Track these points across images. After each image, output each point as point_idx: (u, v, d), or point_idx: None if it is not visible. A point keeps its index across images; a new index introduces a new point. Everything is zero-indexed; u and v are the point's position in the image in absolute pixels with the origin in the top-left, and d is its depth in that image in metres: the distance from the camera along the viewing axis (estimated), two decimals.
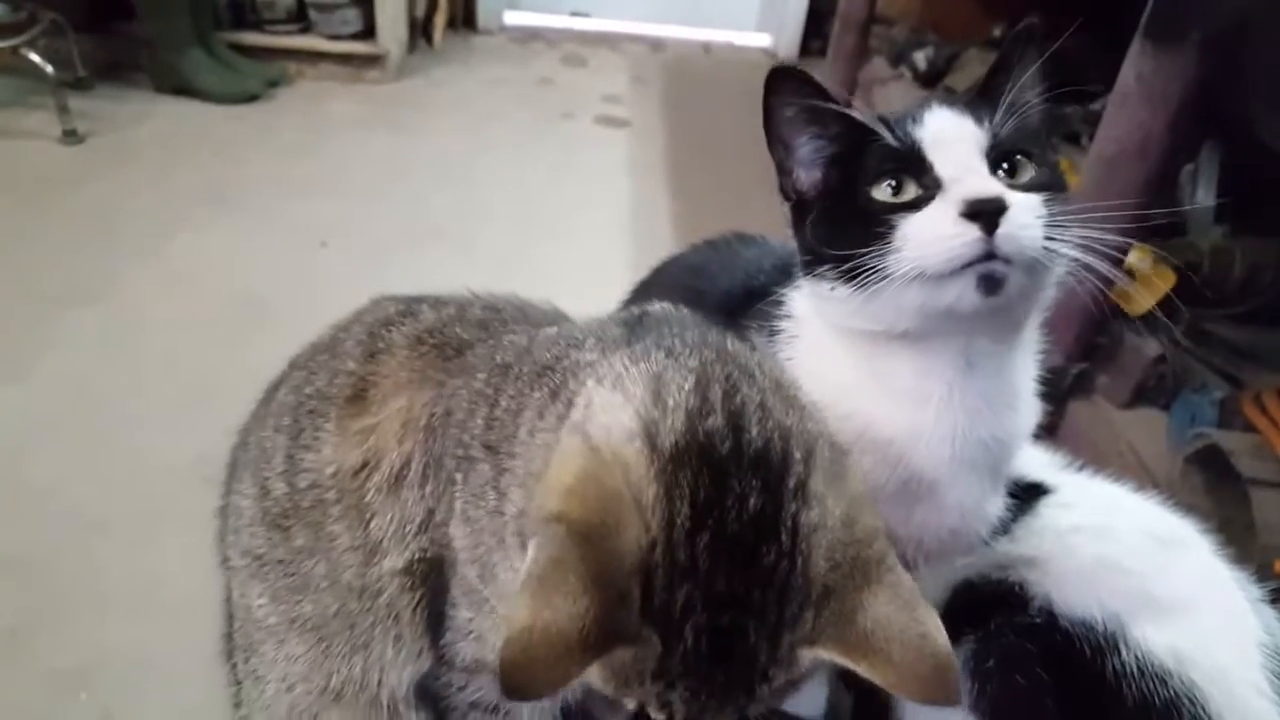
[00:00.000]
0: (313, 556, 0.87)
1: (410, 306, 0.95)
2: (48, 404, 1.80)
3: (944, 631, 0.62)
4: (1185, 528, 1.08)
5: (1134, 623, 0.95)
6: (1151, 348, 1.74)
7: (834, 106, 0.82)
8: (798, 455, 0.66)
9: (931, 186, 0.78)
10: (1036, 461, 1.16)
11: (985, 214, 0.73)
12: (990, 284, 0.74)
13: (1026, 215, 0.74)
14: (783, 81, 0.83)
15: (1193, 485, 1.55)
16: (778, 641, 0.63)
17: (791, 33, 4.25)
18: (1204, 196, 1.95)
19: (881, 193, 0.79)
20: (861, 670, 0.62)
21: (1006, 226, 0.73)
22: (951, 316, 0.77)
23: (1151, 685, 0.91)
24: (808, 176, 0.87)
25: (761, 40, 4.41)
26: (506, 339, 0.86)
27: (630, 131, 3.35)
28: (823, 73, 3.41)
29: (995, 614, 1.02)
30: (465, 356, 0.87)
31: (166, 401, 1.82)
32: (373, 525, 0.84)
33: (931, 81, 3.18)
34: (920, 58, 3.24)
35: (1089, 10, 2.50)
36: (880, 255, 0.76)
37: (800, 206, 0.88)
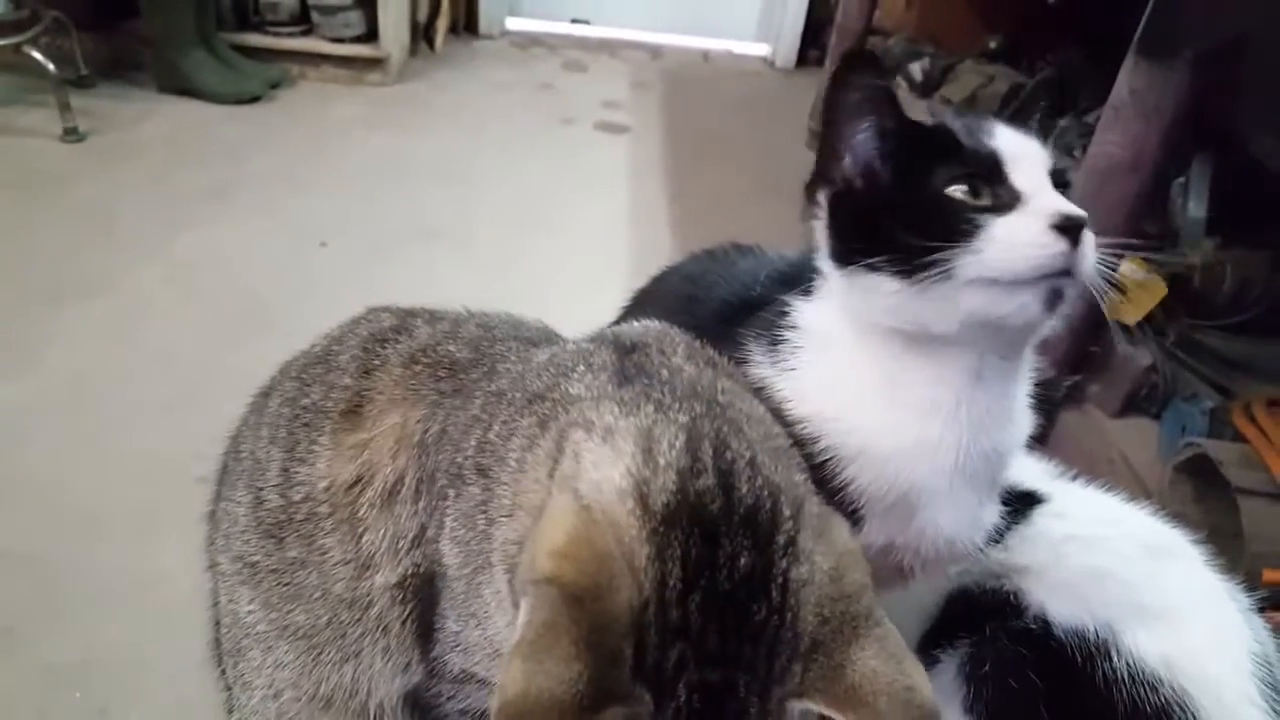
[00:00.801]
0: (305, 567, 0.88)
1: (405, 321, 0.95)
2: (46, 401, 1.81)
3: (928, 683, 0.63)
4: (1177, 537, 1.10)
5: (1126, 630, 0.97)
6: (1143, 357, 1.75)
7: (892, 111, 0.84)
8: (787, 512, 0.67)
9: (1007, 197, 0.79)
10: (1030, 471, 1.17)
11: (1074, 229, 0.75)
12: (1054, 299, 0.76)
13: (1093, 238, 0.76)
14: (857, 67, 0.84)
15: (1182, 494, 1.57)
16: (767, 695, 0.64)
17: (789, 42, 4.27)
18: (1195, 209, 1.97)
19: (955, 193, 0.80)
20: None
21: (1085, 245, 0.75)
22: (998, 327, 0.79)
23: (1143, 692, 0.93)
24: (855, 165, 0.86)
25: (760, 49, 4.43)
26: (502, 366, 0.87)
27: (629, 137, 3.36)
28: (820, 83, 3.43)
29: (990, 621, 1.04)
30: (458, 377, 0.87)
31: (165, 399, 1.83)
32: (365, 539, 0.85)
33: (927, 92, 3.21)
34: (916, 69, 3.26)
35: (1081, 25, 2.53)
36: (956, 253, 0.76)
37: (842, 194, 0.88)
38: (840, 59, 0.85)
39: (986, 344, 0.83)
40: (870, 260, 0.82)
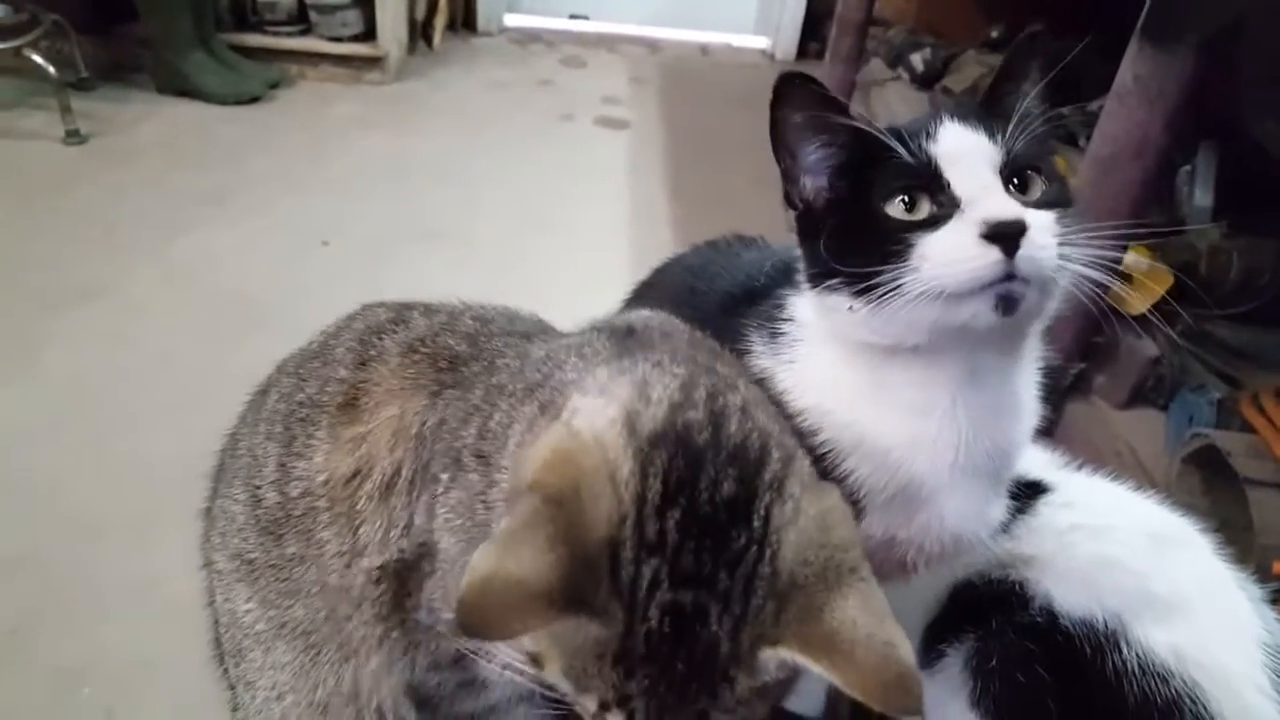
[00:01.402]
0: (303, 563, 0.88)
1: (401, 314, 0.95)
2: (47, 403, 1.81)
3: (911, 651, 0.62)
4: (1185, 527, 1.08)
5: (1135, 622, 0.96)
6: (1149, 348, 1.74)
7: (845, 119, 0.81)
8: (775, 455, 0.68)
9: (948, 205, 0.77)
10: (1036, 461, 1.16)
11: (1006, 236, 0.72)
12: (1008, 304, 0.74)
13: (1044, 235, 0.74)
14: (792, 88, 0.82)
15: (1190, 485, 1.55)
16: (739, 632, 0.63)
17: (789, 35, 4.26)
18: (1201, 197, 1.96)
19: (895, 209, 0.78)
20: (823, 669, 0.61)
21: (1026, 248, 0.72)
22: (963, 333, 0.77)
23: (1153, 684, 0.92)
24: (814, 185, 0.85)
25: (759, 42, 4.42)
26: (500, 361, 0.86)
27: (629, 132, 3.36)
28: (820, 75, 3.42)
29: (996, 613, 1.03)
30: (458, 369, 0.87)
31: (166, 401, 1.83)
32: (361, 531, 0.85)
33: (929, 83, 3.19)
34: (917, 60, 3.25)
35: (1084, 11, 2.51)
36: (896, 273, 0.75)
37: (807, 216, 0.87)
38: (776, 84, 0.83)
39: (974, 345, 0.81)
40: (829, 282, 0.82)
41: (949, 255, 0.74)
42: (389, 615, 0.87)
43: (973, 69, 3.05)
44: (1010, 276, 0.73)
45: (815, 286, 0.85)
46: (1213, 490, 1.53)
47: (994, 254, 0.72)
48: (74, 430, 1.75)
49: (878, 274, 0.76)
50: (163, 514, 1.51)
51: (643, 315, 0.90)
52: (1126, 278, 1.71)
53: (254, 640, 0.92)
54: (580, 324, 0.99)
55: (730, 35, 4.45)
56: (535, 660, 0.67)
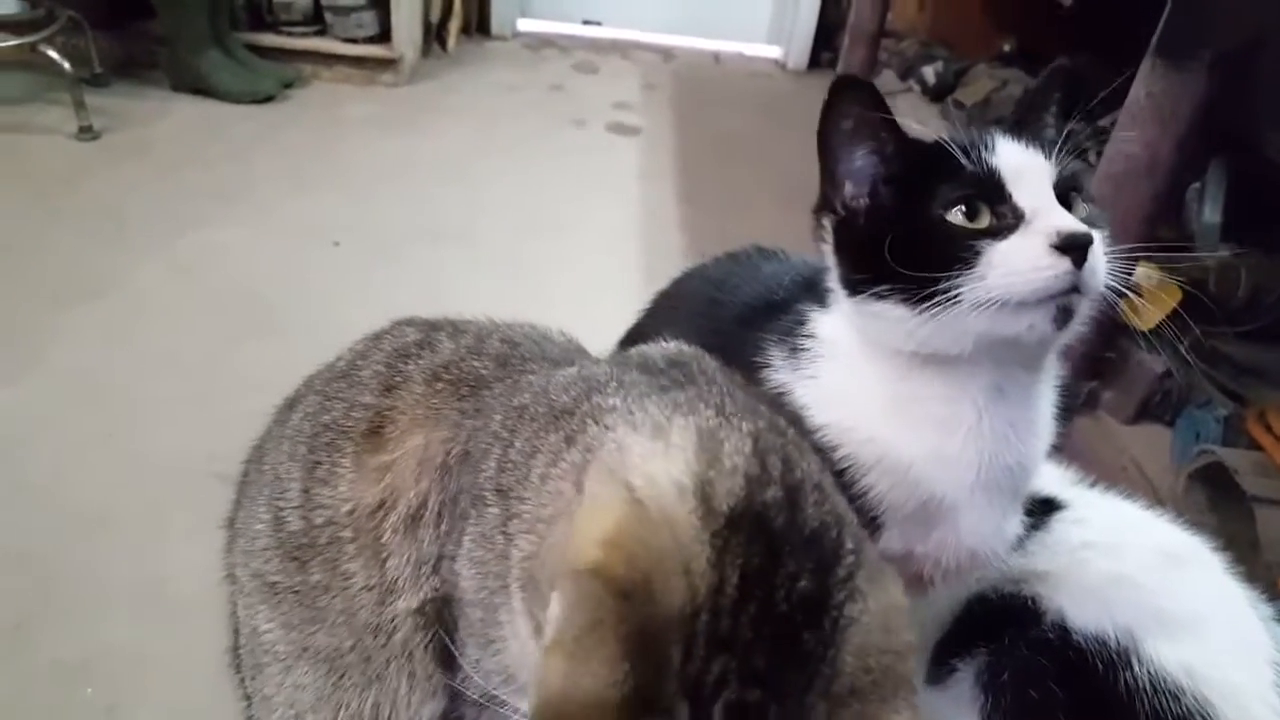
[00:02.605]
0: (328, 592, 0.86)
1: (429, 336, 0.93)
2: (54, 399, 1.81)
3: None
4: (1197, 545, 1.09)
5: (1146, 639, 0.96)
6: (1157, 364, 1.75)
7: (895, 126, 0.82)
8: (849, 545, 0.64)
9: (1010, 216, 0.78)
10: (1049, 477, 1.17)
11: (1078, 248, 0.74)
12: (1064, 316, 0.76)
13: (1100, 251, 0.76)
14: (847, 92, 0.83)
15: (1196, 502, 1.56)
16: None
17: (801, 45, 4.27)
18: (1210, 214, 1.96)
19: (954, 217, 0.79)
20: None
21: (1092, 260, 0.74)
22: (1012, 345, 0.78)
23: (1164, 701, 0.92)
24: (856, 191, 0.86)
25: (772, 52, 4.42)
26: (525, 379, 0.85)
27: (640, 139, 3.36)
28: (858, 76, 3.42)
29: (1008, 628, 1.03)
30: (481, 394, 0.86)
31: (174, 398, 1.83)
32: (389, 565, 0.83)
33: (940, 95, 3.21)
34: (929, 72, 3.26)
35: (1096, 28, 2.52)
36: (960, 280, 0.76)
37: (846, 222, 0.87)
38: (832, 86, 0.83)
39: (1006, 360, 0.82)
40: (877, 290, 0.82)
41: (1020, 264, 0.75)
42: (435, 671, 0.86)
43: (984, 82, 3.07)
44: (1074, 289, 0.74)
45: (856, 294, 0.85)
46: (1219, 507, 1.54)
47: (1065, 264, 0.74)
48: (80, 426, 1.75)
49: (937, 281, 0.76)
50: (168, 511, 1.53)
51: (672, 348, 0.86)
52: (1135, 293, 1.71)
53: (273, 658, 0.91)
54: (590, 333, 0.99)
55: (743, 44, 4.46)
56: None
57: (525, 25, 4.35)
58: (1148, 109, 1.56)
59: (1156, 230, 1.76)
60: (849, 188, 0.86)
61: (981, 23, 3.50)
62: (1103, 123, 2.29)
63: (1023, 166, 0.80)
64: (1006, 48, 3.29)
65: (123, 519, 1.54)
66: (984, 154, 0.80)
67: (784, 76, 4.25)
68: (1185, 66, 1.50)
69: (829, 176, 0.87)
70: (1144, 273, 1.73)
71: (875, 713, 0.60)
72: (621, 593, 0.57)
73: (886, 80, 3.44)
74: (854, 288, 0.85)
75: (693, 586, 0.58)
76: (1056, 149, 0.81)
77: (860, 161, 0.85)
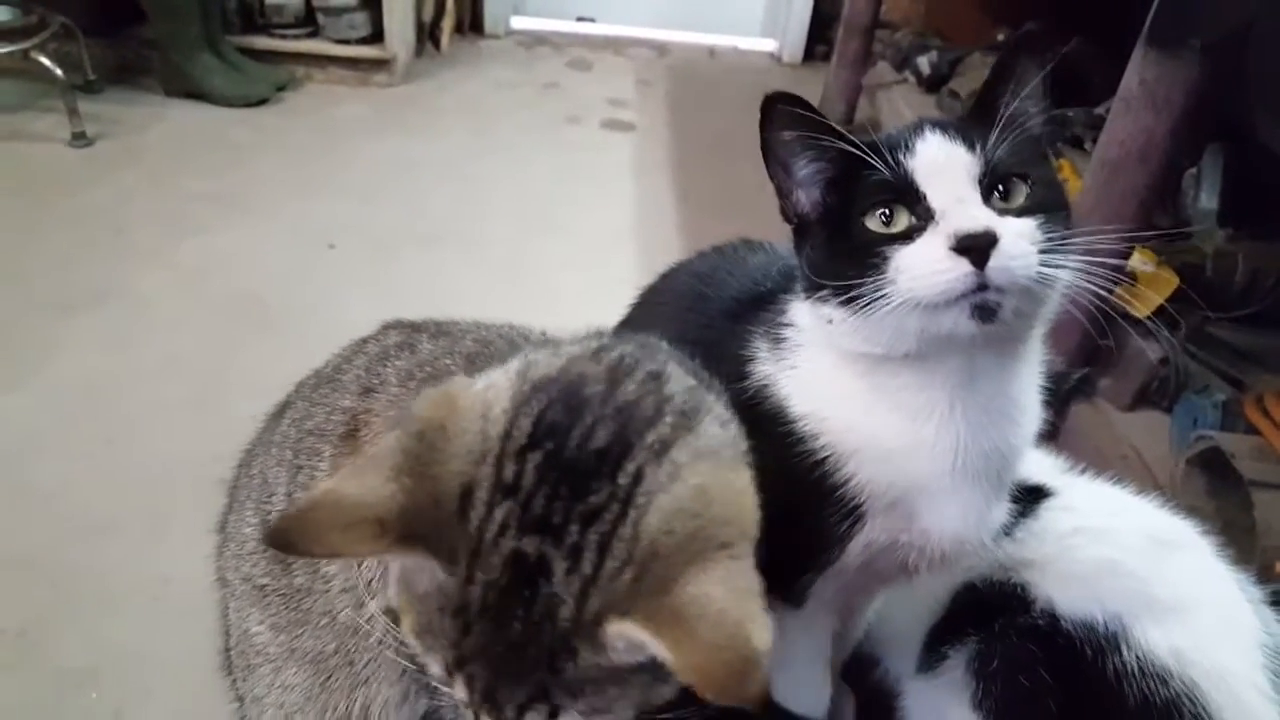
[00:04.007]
0: (311, 595, 0.88)
1: (410, 338, 0.95)
2: (56, 405, 1.82)
3: (770, 632, 0.56)
4: (1186, 529, 1.10)
5: (1135, 623, 0.97)
6: (1154, 350, 1.74)
7: (827, 137, 0.82)
8: (670, 420, 0.64)
9: (924, 217, 0.78)
10: (1038, 465, 1.17)
11: (975, 249, 0.73)
12: (984, 313, 0.75)
13: (1019, 245, 0.74)
14: (778, 108, 0.83)
15: (1194, 487, 1.55)
16: (586, 597, 0.58)
17: (796, 38, 4.26)
18: (1207, 200, 1.96)
19: (874, 222, 0.80)
20: (664, 648, 0.55)
21: (997, 259, 0.73)
22: (949, 340, 0.78)
23: (1153, 685, 0.93)
24: (808, 198, 0.87)
25: (766, 45, 4.42)
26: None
27: (636, 135, 3.36)
28: (827, 77, 3.42)
29: (998, 615, 1.04)
30: None
31: (174, 402, 1.83)
32: (363, 567, 0.84)
33: (935, 86, 3.19)
34: (924, 62, 3.25)
35: (1092, 16, 2.51)
36: (875, 285, 0.77)
37: (802, 229, 0.89)
38: (763, 104, 0.84)
39: (968, 349, 0.82)
40: (820, 294, 0.84)
41: (920, 268, 0.75)
42: (407, 659, 0.85)
43: (979, 71, 3.05)
44: (984, 287, 0.74)
45: (808, 297, 0.87)
46: (1217, 492, 1.54)
47: (964, 266, 0.73)
48: (83, 432, 1.75)
49: (859, 285, 0.77)
50: (172, 515, 1.53)
51: (636, 339, 0.88)
52: (1132, 280, 1.72)
53: (264, 659, 0.92)
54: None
55: (737, 38, 4.45)
56: (393, 616, 0.65)
57: (519, 23, 4.34)
58: (1141, 96, 1.56)
59: (1152, 217, 1.76)
60: (800, 195, 0.87)
61: (976, 13, 3.49)
62: (1099, 110, 2.29)
63: (939, 164, 0.80)
64: (1001, 37, 3.27)
65: (126, 523, 1.55)
66: (901, 156, 0.80)
67: (779, 70, 4.24)
68: (1177, 54, 1.50)
69: (778, 189, 0.88)
70: (1140, 260, 1.74)
71: (678, 572, 0.57)
72: (416, 433, 0.62)
73: (881, 71, 3.43)
74: (807, 292, 0.87)
75: (484, 432, 0.61)
76: (995, 135, 0.80)
77: (805, 171, 0.86)
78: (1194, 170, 2.00)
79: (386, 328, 0.99)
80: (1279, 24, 1.48)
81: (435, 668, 0.63)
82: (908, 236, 0.78)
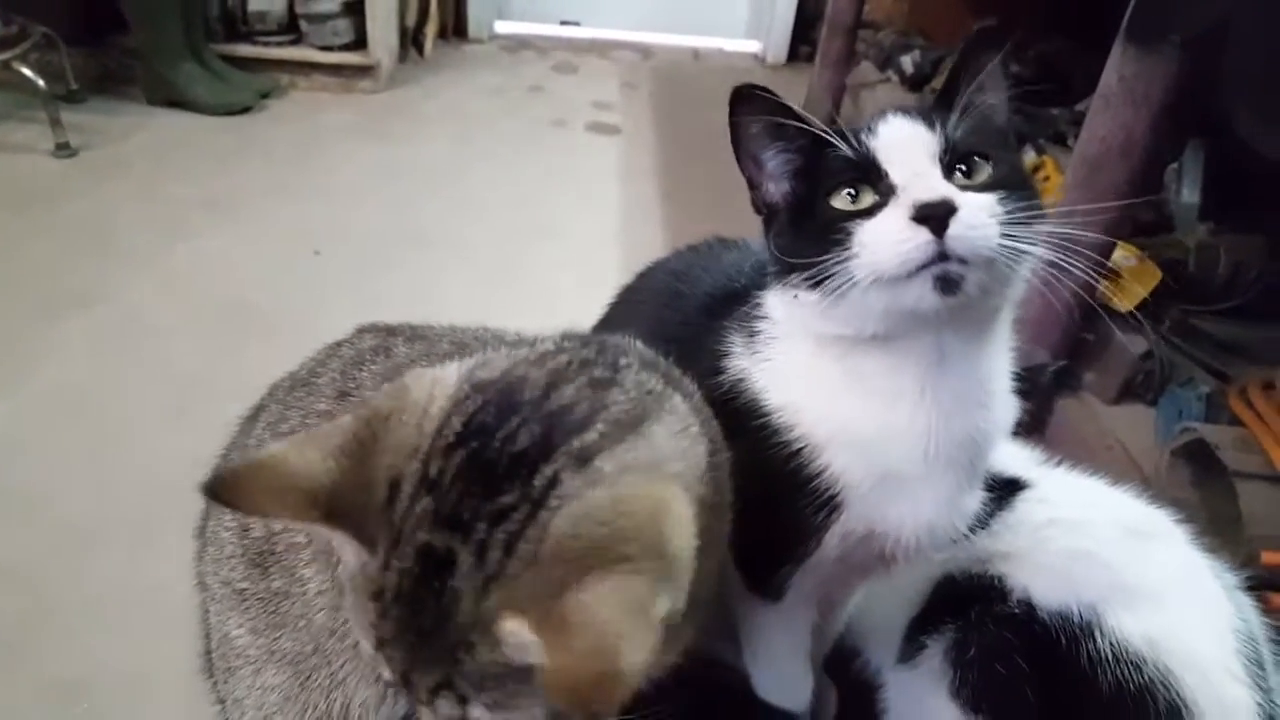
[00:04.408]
0: (289, 598, 0.88)
1: (385, 341, 0.95)
2: (42, 414, 1.81)
3: (645, 654, 0.54)
4: (1160, 518, 1.11)
5: (1109, 611, 0.98)
6: (1138, 344, 1.75)
7: (795, 122, 0.84)
8: (600, 428, 0.64)
9: (886, 193, 0.79)
10: (1014, 457, 1.18)
11: (934, 217, 0.74)
12: (947, 284, 0.76)
13: (978, 215, 0.75)
14: (744, 101, 0.85)
15: (1180, 479, 1.56)
16: (486, 593, 0.58)
17: (780, 38, 4.27)
18: (1188, 194, 1.97)
19: (840, 201, 0.81)
20: (542, 651, 0.55)
21: (956, 228, 0.74)
22: (916, 317, 0.79)
23: (1126, 671, 0.93)
24: (777, 189, 0.89)
25: (751, 46, 4.43)
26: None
27: (621, 138, 3.36)
28: (811, 78, 3.43)
29: (975, 605, 1.05)
30: None
31: (161, 410, 1.83)
32: (339, 568, 0.83)
33: (918, 85, 3.21)
34: (907, 62, 3.26)
35: (1072, 14, 2.52)
36: (841, 261, 0.77)
37: (771, 219, 0.90)
38: (731, 98, 0.86)
39: (935, 329, 0.82)
40: (788, 278, 0.85)
41: (881, 239, 0.76)
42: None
43: None
44: (944, 257, 0.75)
45: (778, 283, 0.88)
46: (1202, 483, 1.54)
47: (923, 234, 0.74)
48: (69, 440, 1.75)
49: (823, 263, 0.79)
50: (160, 524, 1.50)
51: (610, 339, 0.88)
52: (1115, 274, 1.72)
53: (244, 661, 0.92)
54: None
55: (722, 40, 4.46)
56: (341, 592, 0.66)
57: (502, 27, 4.35)
58: (1120, 92, 1.56)
59: (1134, 212, 1.77)
60: (770, 186, 0.89)
61: (958, 11, 3.50)
62: (1080, 107, 2.30)
63: (899, 142, 0.82)
64: None
65: (113, 531, 1.54)
66: (863, 137, 0.83)
67: (763, 71, 4.25)
68: (1156, 49, 1.50)
69: (750, 180, 0.90)
70: (1123, 254, 1.75)
71: (573, 579, 0.56)
72: (365, 419, 0.65)
73: (865, 71, 3.44)
74: (776, 278, 0.88)
75: (420, 426, 0.63)
76: (955, 116, 0.82)
77: (774, 161, 0.87)
78: (1175, 165, 2.01)
79: (361, 331, 1.00)
80: (1257, 19, 1.49)
81: (366, 646, 0.65)
82: (870, 213, 0.79)
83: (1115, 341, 1.78)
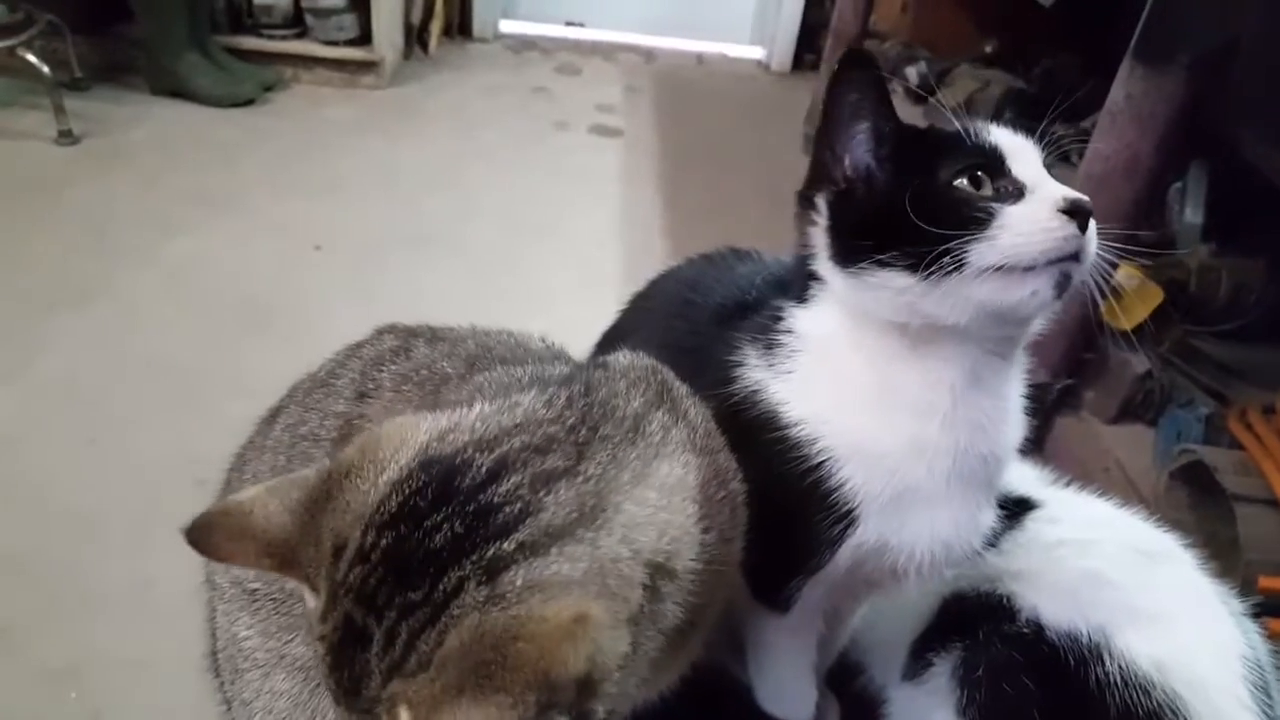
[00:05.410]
0: (302, 601, 0.87)
1: (406, 341, 0.94)
2: (41, 404, 1.80)
3: None
4: (1169, 541, 1.11)
5: (1118, 634, 0.98)
6: (1139, 364, 1.75)
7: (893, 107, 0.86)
8: (520, 537, 0.62)
9: (1011, 187, 0.81)
10: (1024, 477, 1.18)
11: (1082, 213, 0.78)
12: (1064, 283, 0.79)
13: (1094, 225, 0.79)
14: (856, 69, 0.85)
15: (1178, 501, 1.57)
16: (390, 678, 0.59)
17: (784, 46, 4.26)
18: (1191, 215, 1.97)
19: (961, 185, 0.82)
20: None
21: (1090, 229, 0.78)
22: (1008, 315, 0.81)
23: (1135, 695, 0.94)
24: (854, 165, 0.87)
25: (754, 53, 4.42)
26: (478, 378, 0.85)
27: (623, 141, 3.35)
28: (815, 86, 3.43)
29: (983, 624, 1.05)
30: (440, 392, 0.86)
31: (159, 403, 1.82)
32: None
33: (922, 97, 3.21)
34: (912, 73, 3.27)
35: (1076, 30, 2.53)
36: (970, 242, 0.78)
37: (845, 194, 0.88)
38: (841, 58, 0.86)
39: (991, 337, 0.84)
40: (880, 257, 0.83)
41: (1031, 225, 0.78)
42: None
43: (967, 82, 3.07)
44: (1076, 256, 0.78)
45: (853, 266, 0.85)
46: (1200, 506, 1.55)
47: (1072, 227, 0.77)
48: (66, 431, 1.74)
49: (947, 243, 0.78)
50: (154, 515, 1.51)
51: (624, 359, 0.86)
52: (1117, 294, 1.73)
53: (252, 664, 0.91)
54: (569, 334, 1.00)
55: (726, 45, 4.45)
56: None
57: (507, 27, 4.33)
58: (1127, 111, 1.57)
59: (1138, 231, 1.77)
60: (848, 161, 0.88)
61: (963, 24, 3.51)
62: (1085, 124, 2.31)
63: (1017, 146, 0.85)
64: (988, 49, 3.30)
65: (109, 523, 1.54)
66: (982, 133, 0.85)
67: (767, 78, 4.25)
68: (1163, 69, 1.51)
69: (830, 149, 0.88)
70: (1125, 273, 1.75)
71: (450, 697, 0.55)
72: (334, 472, 0.67)
73: None
74: (853, 260, 0.85)
75: (368, 495, 0.64)
76: (1040, 142, 0.87)
77: (860, 136, 0.87)
78: (1179, 185, 2.01)
79: (381, 332, 0.99)
80: (1266, 40, 1.49)
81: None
82: (1002, 199, 0.81)
83: (1116, 361, 1.79)
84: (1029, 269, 0.77)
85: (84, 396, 1.84)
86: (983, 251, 0.77)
